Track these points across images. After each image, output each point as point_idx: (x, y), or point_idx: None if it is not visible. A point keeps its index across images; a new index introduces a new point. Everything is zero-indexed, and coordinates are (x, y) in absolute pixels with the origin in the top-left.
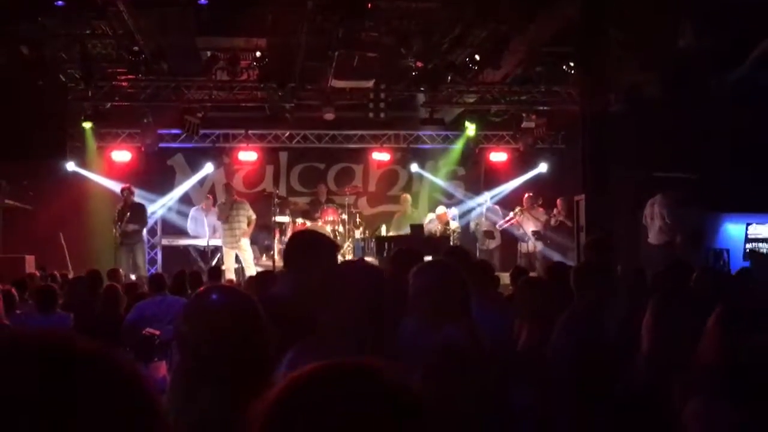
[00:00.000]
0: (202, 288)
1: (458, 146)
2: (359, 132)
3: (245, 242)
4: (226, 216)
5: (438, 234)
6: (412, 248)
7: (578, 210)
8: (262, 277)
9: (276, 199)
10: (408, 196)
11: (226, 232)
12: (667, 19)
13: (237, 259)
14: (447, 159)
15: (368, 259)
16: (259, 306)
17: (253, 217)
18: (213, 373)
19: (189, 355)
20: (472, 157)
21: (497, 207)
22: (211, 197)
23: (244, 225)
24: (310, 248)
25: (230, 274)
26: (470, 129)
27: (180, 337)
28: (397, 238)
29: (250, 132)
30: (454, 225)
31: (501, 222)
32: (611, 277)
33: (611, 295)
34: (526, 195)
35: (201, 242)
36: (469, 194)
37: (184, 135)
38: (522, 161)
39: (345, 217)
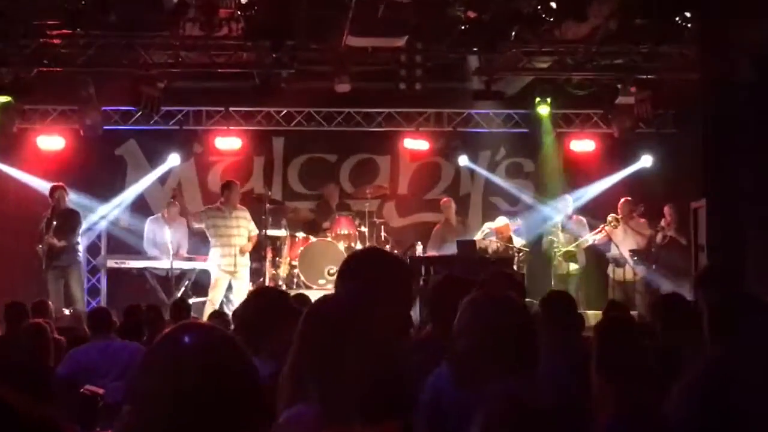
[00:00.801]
0: (167, 329)
1: (526, 131)
2: (386, 110)
3: (244, 266)
4: (221, 226)
5: (496, 254)
6: (459, 275)
7: (696, 221)
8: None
9: (268, 205)
10: (452, 202)
11: (220, 249)
12: None
13: (229, 288)
14: (509, 149)
15: None
16: (249, 355)
17: (255, 231)
18: None
19: (150, 423)
20: (545, 146)
21: (581, 218)
22: (176, 201)
23: (244, 241)
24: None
25: (214, 307)
26: (543, 106)
27: (138, 397)
28: (439, 259)
29: (231, 110)
30: (519, 241)
31: (587, 237)
32: (760, 318)
33: (756, 344)
34: (623, 200)
35: (162, 264)
36: (541, 198)
37: (140, 113)
38: (616, 152)
39: (364, 229)
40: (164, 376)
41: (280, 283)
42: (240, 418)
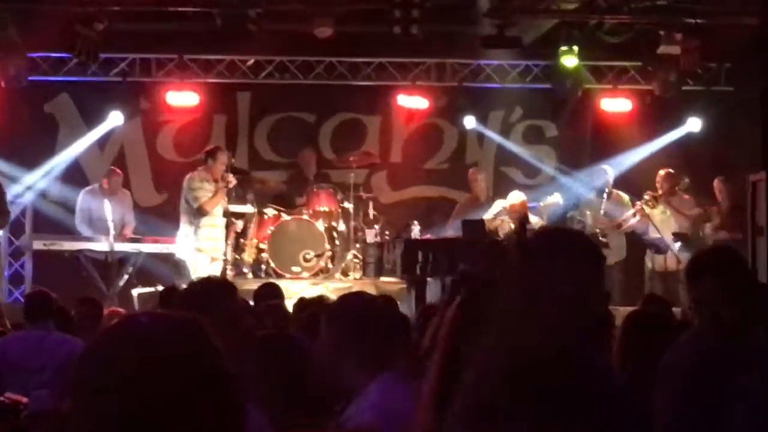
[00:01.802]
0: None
1: (547, 87)
2: (376, 60)
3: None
4: (213, 204)
5: (507, 236)
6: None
7: (755, 198)
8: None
9: (231, 174)
10: (481, 174)
11: (204, 230)
12: None
13: None
14: (527, 109)
15: (386, 282)
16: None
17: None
18: None
19: (99, 425)
20: (571, 105)
21: (621, 193)
22: (118, 171)
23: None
24: None
25: None
26: (568, 57)
27: (80, 395)
28: (439, 243)
29: (186, 58)
30: (536, 221)
31: (625, 218)
32: None
33: None
34: (663, 172)
35: (100, 246)
36: (565, 169)
37: (74, 62)
38: (657, 114)
39: (348, 206)
40: (115, 364)
41: (245, 270)
42: (207, 413)
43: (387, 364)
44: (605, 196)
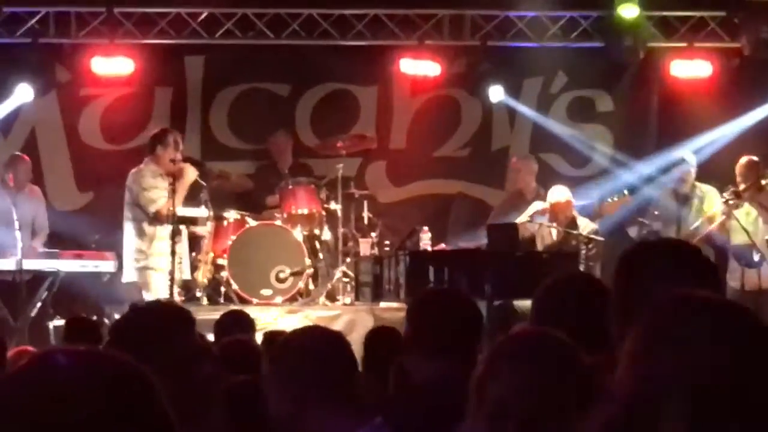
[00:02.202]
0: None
1: (599, 46)
2: (370, 11)
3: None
4: (162, 197)
5: (551, 245)
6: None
7: None
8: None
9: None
10: (528, 162)
11: (159, 243)
12: None
13: None
14: (573, 76)
15: (387, 308)
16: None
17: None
18: None
19: None
20: (631, 70)
21: (703, 187)
22: (25, 157)
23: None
24: None
25: None
26: (627, 6)
27: None
28: (457, 256)
29: (117, 11)
30: (585, 225)
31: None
32: None
33: None
34: (744, 161)
35: (4, 263)
36: (623, 155)
37: None
38: (746, 81)
39: (336, 207)
40: (26, 428)
41: (198, 294)
42: None
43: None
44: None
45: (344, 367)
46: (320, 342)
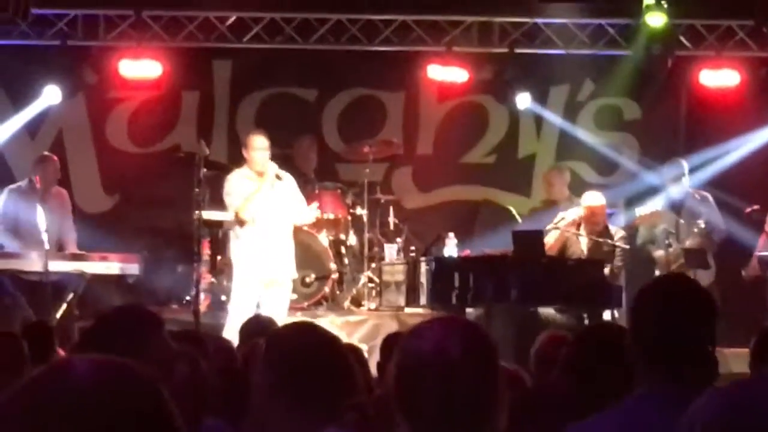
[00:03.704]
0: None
1: (626, 54)
2: (398, 17)
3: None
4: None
5: (577, 253)
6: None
7: None
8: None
9: (204, 170)
10: (560, 173)
11: (257, 240)
12: None
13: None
14: (601, 83)
15: (412, 314)
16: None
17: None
18: None
19: None
20: (658, 79)
21: (705, 193)
22: (54, 158)
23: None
24: None
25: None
26: (655, 14)
27: None
28: (483, 261)
29: (146, 15)
30: (615, 230)
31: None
32: None
33: None
34: None
35: (30, 265)
36: (649, 161)
37: None
38: None
39: (362, 212)
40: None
41: (224, 298)
42: None
43: (327, 416)
44: (687, 196)
45: (322, 372)
46: (307, 344)
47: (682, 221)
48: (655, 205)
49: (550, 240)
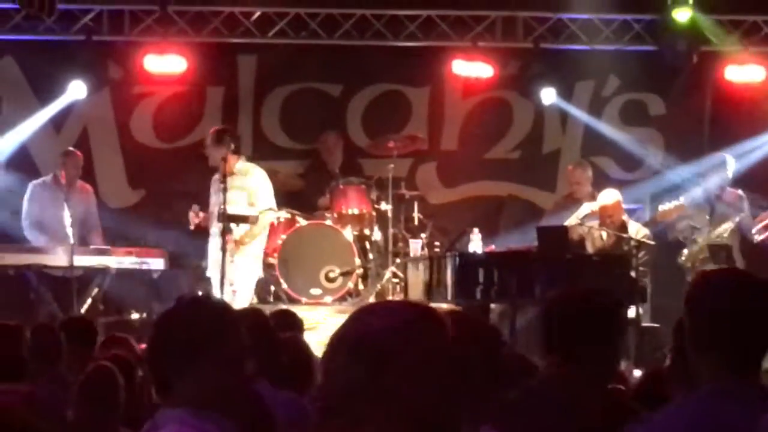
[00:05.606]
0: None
1: (652, 49)
2: (423, 12)
3: (251, 248)
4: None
5: (602, 249)
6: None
7: None
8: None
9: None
10: (582, 169)
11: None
12: None
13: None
14: (626, 79)
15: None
16: None
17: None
18: None
19: None
20: (684, 74)
21: (740, 192)
22: (77, 153)
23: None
24: None
25: None
26: (681, 10)
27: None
28: (508, 257)
29: (171, 9)
30: (639, 230)
31: (756, 230)
32: None
33: None
34: None
35: (55, 260)
36: (674, 159)
37: (22, 14)
38: None
39: (387, 207)
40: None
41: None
42: None
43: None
44: (719, 194)
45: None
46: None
47: (716, 212)
48: (679, 200)
49: (574, 235)
